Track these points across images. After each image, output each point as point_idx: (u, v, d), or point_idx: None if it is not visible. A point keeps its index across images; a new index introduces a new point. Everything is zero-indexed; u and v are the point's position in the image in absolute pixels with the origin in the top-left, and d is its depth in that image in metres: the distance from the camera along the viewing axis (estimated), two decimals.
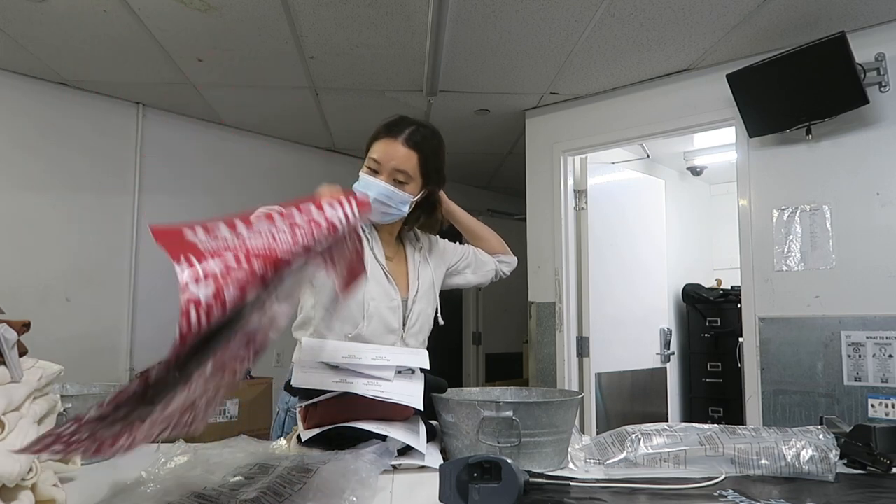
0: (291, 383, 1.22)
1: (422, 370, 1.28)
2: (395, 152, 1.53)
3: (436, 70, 3.17)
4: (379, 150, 1.55)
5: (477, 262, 1.85)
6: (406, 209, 1.57)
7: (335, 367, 1.24)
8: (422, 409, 1.20)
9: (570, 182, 3.76)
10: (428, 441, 1.22)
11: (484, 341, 5.64)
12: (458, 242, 1.87)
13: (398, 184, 1.54)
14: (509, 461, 0.90)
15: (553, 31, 2.80)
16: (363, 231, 1.60)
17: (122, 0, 2.54)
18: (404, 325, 1.59)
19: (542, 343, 3.70)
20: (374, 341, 1.53)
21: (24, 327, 0.95)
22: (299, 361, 1.24)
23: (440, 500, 0.89)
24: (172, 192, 3.91)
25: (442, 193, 1.74)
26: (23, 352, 0.94)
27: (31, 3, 2.55)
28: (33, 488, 0.77)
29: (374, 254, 1.59)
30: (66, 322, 3.41)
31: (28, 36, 2.86)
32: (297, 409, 1.27)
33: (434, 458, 1.16)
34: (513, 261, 1.93)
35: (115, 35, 2.84)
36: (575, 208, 3.76)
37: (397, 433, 1.16)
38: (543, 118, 3.84)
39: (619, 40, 2.91)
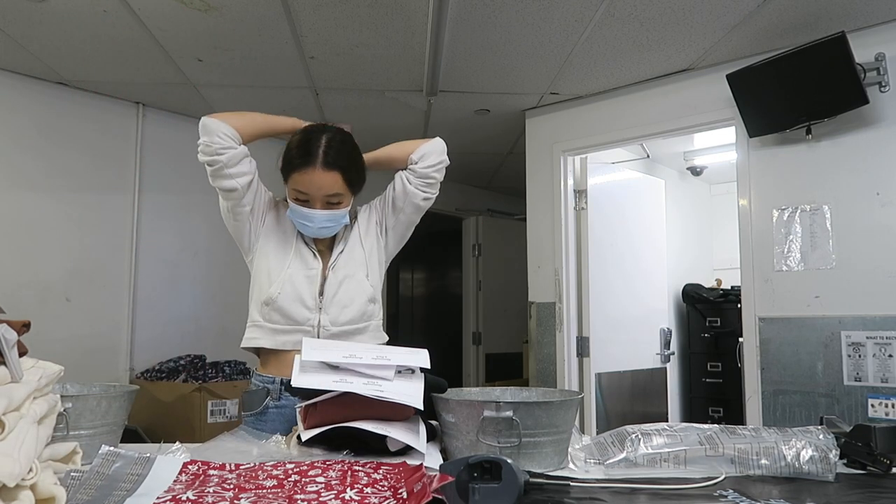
0: (291, 383, 1.22)
1: (422, 370, 1.28)
2: (320, 181, 1.54)
3: (436, 70, 3.17)
4: (301, 181, 1.55)
5: (392, 195, 1.71)
6: (347, 219, 1.64)
7: (335, 367, 1.24)
8: (422, 408, 1.20)
9: (570, 182, 3.76)
10: (428, 441, 1.22)
11: (484, 341, 5.64)
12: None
13: (332, 206, 1.58)
14: (509, 461, 0.90)
15: (553, 31, 2.80)
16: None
17: (122, 0, 2.54)
18: (321, 294, 1.61)
19: (542, 343, 3.70)
20: (287, 307, 1.58)
21: (24, 327, 0.95)
22: (299, 361, 1.24)
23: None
24: (172, 192, 3.91)
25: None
26: (23, 352, 0.94)
27: (31, 3, 2.55)
28: (33, 487, 0.77)
29: (302, 234, 1.66)
30: (66, 322, 3.41)
31: (28, 36, 2.86)
32: (298, 409, 1.27)
33: (434, 458, 1.16)
34: (428, 149, 1.68)
35: (115, 35, 2.84)
36: (575, 208, 3.76)
37: (397, 433, 1.15)
38: (543, 118, 3.84)
39: (619, 40, 2.91)
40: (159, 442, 1.21)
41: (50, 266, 3.39)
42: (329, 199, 1.56)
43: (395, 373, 1.24)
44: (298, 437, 1.24)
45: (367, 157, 1.68)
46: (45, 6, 2.58)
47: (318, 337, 1.59)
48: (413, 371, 1.27)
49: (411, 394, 1.20)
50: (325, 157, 1.53)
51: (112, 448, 0.98)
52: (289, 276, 1.60)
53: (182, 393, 3.29)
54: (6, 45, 2.95)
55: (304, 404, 1.24)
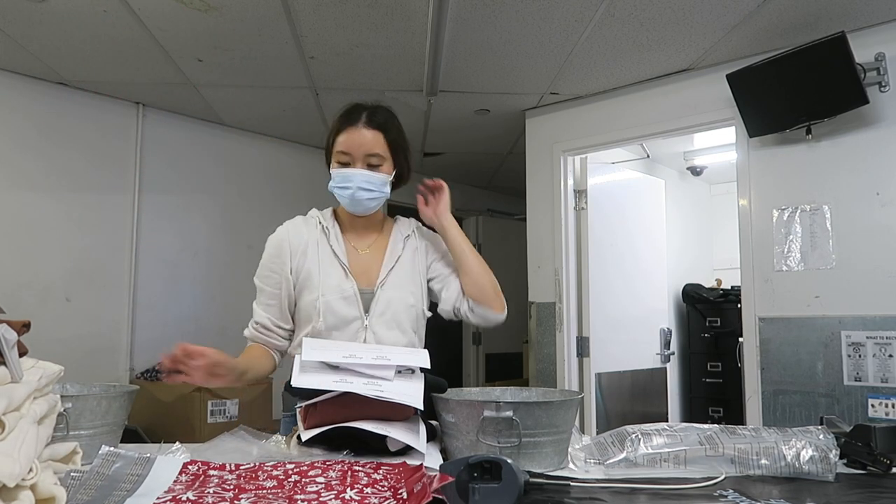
0: (291, 383, 1.22)
1: (422, 370, 1.28)
2: (362, 138, 1.55)
3: (436, 70, 3.17)
4: (344, 141, 1.56)
5: (445, 285, 1.65)
6: (388, 190, 1.60)
7: (335, 367, 1.24)
8: (422, 408, 1.19)
9: (570, 182, 3.76)
10: (428, 441, 1.22)
11: (484, 341, 5.64)
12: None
13: (373, 168, 1.56)
14: (509, 461, 0.90)
15: (553, 31, 2.80)
16: (320, 224, 1.63)
17: (122, 0, 2.54)
18: (367, 311, 1.56)
19: (542, 343, 3.70)
20: (336, 334, 1.54)
21: (24, 327, 0.95)
22: (299, 361, 1.24)
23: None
24: (172, 192, 3.91)
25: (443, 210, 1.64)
26: (23, 352, 0.94)
27: (31, 3, 2.55)
28: (33, 487, 0.77)
29: (332, 248, 1.60)
30: (66, 322, 3.41)
31: (28, 36, 2.86)
32: (297, 409, 1.27)
33: (434, 458, 1.16)
34: (493, 316, 1.63)
35: (115, 35, 2.84)
36: (575, 208, 3.76)
37: (397, 433, 1.15)
38: (543, 118, 3.84)
39: (619, 40, 2.91)
40: (159, 442, 1.21)
41: (50, 266, 3.39)
42: (370, 159, 1.56)
43: (395, 373, 1.24)
44: (298, 437, 1.24)
45: (452, 228, 1.63)
46: (45, 6, 2.58)
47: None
48: (413, 371, 1.27)
49: (411, 394, 1.20)
50: (371, 119, 1.57)
51: (112, 448, 0.98)
52: (326, 303, 1.56)
53: (182, 393, 3.29)
54: (6, 45, 2.95)
55: (304, 404, 1.24)
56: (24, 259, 3.30)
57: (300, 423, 1.25)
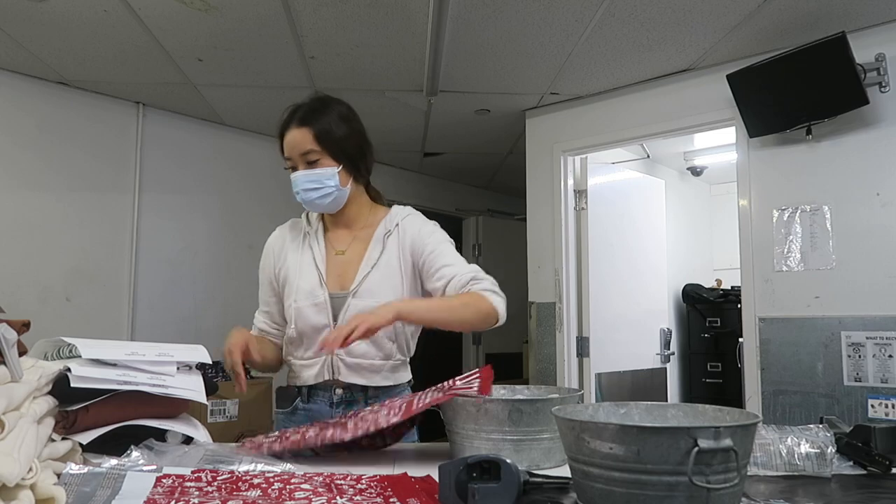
0: (71, 384, 1.08)
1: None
2: (292, 140, 1.54)
3: (436, 70, 3.17)
4: (284, 147, 1.57)
5: (427, 269, 1.55)
6: (335, 182, 1.53)
7: (114, 365, 1.19)
8: (205, 401, 1.23)
9: (570, 182, 3.76)
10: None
11: (484, 341, 5.63)
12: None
13: (311, 164, 1.54)
14: (508, 461, 0.89)
15: (553, 31, 2.80)
16: (305, 225, 1.64)
17: (123, 0, 2.54)
18: (335, 318, 1.52)
19: (542, 343, 3.70)
20: (307, 341, 1.54)
21: (24, 327, 0.95)
22: (76, 360, 1.15)
23: (440, 500, 0.89)
24: (173, 192, 3.91)
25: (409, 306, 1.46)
26: (23, 351, 0.94)
27: (31, 3, 2.55)
28: (33, 487, 0.77)
29: (311, 251, 1.59)
30: (66, 322, 3.40)
31: (28, 36, 2.86)
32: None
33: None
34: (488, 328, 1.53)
35: (115, 35, 2.84)
36: (575, 208, 3.76)
37: (179, 427, 1.20)
38: (543, 118, 3.84)
39: (619, 40, 2.91)
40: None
41: (50, 266, 3.39)
42: (306, 157, 1.53)
43: (176, 369, 1.25)
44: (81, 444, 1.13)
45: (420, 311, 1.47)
46: (45, 6, 2.58)
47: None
48: (190, 367, 1.28)
49: (194, 388, 1.23)
50: (294, 118, 1.55)
51: (78, 468, 0.91)
52: (297, 309, 1.56)
53: None
54: (6, 45, 2.95)
55: (77, 407, 1.13)
56: (24, 259, 3.29)
57: None
